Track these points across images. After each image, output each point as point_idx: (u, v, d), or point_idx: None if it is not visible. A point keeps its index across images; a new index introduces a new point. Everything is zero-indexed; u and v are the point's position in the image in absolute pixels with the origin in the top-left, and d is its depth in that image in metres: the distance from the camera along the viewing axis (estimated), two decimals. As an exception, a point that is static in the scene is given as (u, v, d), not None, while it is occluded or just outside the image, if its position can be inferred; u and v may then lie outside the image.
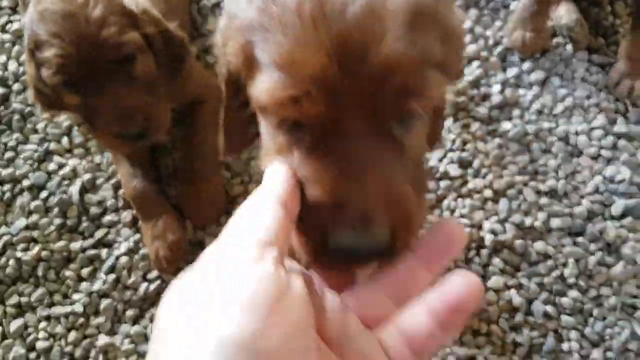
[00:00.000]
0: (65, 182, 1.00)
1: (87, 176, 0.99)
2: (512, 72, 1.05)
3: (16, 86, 1.07)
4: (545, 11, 1.03)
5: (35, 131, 1.05)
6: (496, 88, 1.04)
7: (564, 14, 1.06)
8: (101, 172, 1.00)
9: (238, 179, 0.99)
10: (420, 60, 0.38)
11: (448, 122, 1.02)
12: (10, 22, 1.12)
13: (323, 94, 0.37)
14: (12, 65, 1.08)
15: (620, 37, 1.07)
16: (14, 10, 1.13)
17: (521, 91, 1.04)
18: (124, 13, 0.73)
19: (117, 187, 0.98)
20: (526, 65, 1.06)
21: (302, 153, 0.40)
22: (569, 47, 1.07)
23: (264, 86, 0.39)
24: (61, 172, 1.00)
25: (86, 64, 0.71)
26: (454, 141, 1.00)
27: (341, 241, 0.39)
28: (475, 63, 1.06)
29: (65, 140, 1.03)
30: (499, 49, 1.07)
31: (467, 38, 1.08)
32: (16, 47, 1.09)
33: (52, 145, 1.03)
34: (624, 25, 1.08)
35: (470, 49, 1.07)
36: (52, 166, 1.01)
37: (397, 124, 0.41)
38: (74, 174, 1.00)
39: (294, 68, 0.36)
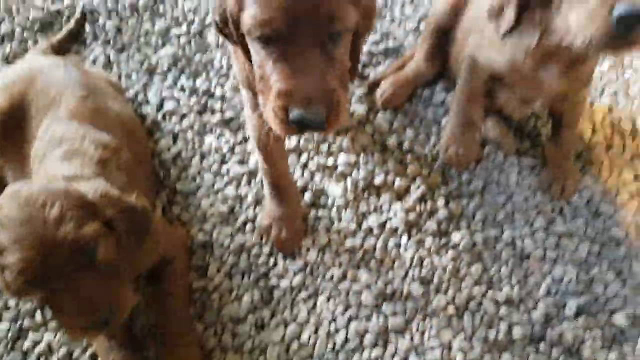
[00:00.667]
0: None
1: (62, 351, 1.00)
2: (453, 185, 1.14)
3: (-14, 267, 1.09)
4: (473, 128, 1.13)
5: (7, 308, 1.06)
6: (441, 202, 1.12)
7: (490, 128, 1.17)
8: (76, 344, 1.01)
9: (211, 330, 1.02)
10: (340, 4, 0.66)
11: (403, 240, 1.09)
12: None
13: (284, 18, 0.66)
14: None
15: (543, 139, 1.19)
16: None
17: (464, 201, 1.12)
18: (82, 204, 0.77)
19: (94, 358, 0.99)
20: (465, 176, 1.15)
21: (271, 62, 0.70)
22: (500, 154, 1.17)
23: (250, 14, 0.68)
24: (37, 350, 1.01)
25: (48, 263, 0.74)
26: (412, 259, 1.07)
27: (295, 115, 0.68)
28: (418, 180, 1.15)
29: (38, 315, 1.04)
30: (438, 163, 1.17)
31: (408, 157, 1.18)
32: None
33: (26, 322, 1.04)
34: (547, 126, 1.20)
35: (412, 168, 1.16)
36: (27, 344, 1.02)
37: (329, 41, 0.69)
38: (50, 350, 1.01)
39: (267, 3, 0.66)
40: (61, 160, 0.91)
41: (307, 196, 1.14)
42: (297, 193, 1.13)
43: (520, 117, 1.15)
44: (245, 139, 1.22)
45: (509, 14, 0.86)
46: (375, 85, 1.27)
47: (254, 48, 0.73)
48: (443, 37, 1.16)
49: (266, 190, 1.09)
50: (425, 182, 1.15)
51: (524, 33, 0.89)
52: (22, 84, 1.00)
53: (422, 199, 1.13)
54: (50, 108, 0.97)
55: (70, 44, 1.33)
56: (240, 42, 0.76)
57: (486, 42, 0.98)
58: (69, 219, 0.74)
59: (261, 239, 1.11)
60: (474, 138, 1.15)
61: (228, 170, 1.18)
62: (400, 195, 1.14)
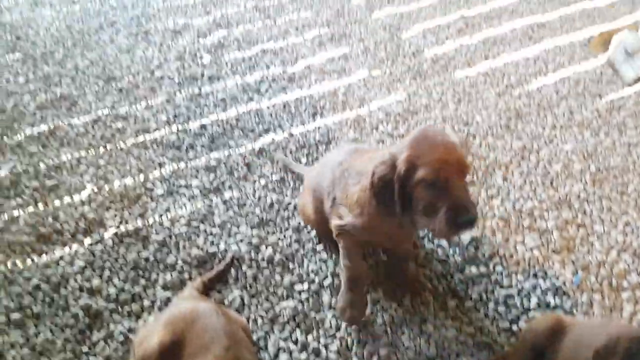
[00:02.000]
0: None
1: None
2: None
3: None
4: None
5: None
6: None
7: None
8: None
9: None
10: (465, 156, 1.25)
11: None
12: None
13: (445, 168, 1.21)
14: None
15: None
16: None
17: None
18: None
19: None
20: None
21: (437, 194, 1.21)
22: None
23: (423, 172, 1.21)
24: None
25: None
26: None
27: (466, 218, 1.19)
28: None
29: None
30: None
31: None
32: None
33: None
34: None
35: None
36: None
37: (465, 177, 1.24)
38: None
39: (435, 162, 1.21)
40: None
41: None
42: (364, 283, 1.53)
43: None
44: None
45: None
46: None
47: (422, 190, 1.22)
48: (538, 354, 1.29)
49: (343, 283, 1.51)
50: None
51: None
52: (185, 323, 1.25)
53: None
54: (201, 352, 1.19)
55: (216, 283, 1.64)
56: (400, 194, 1.26)
57: None
58: None
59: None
60: None
61: None
62: None
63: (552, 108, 2.44)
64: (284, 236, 1.83)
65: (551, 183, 2.04)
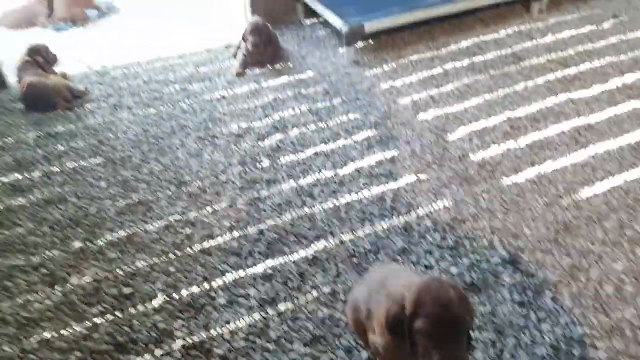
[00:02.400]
0: None
1: None
2: None
3: None
4: None
5: None
6: None
7: None
8: None
9: None
10: (467, 310, 1.41)
11: None
12: None
13: (440, 324, 1.35)
14: None
15: None
16: None
17: None
18: None
19: None
20: None
21: (432, 345, 1.36)
22: None
23: (421, 324, 1.37)
24: None
25: None
26: None
27: None
28: None
29: None
30: None
31: None
32: None
33: None
34: None
35: None
36: None
37: (464, 335, 1.37)
38: None
39: (432, 316, 1.37)
40: None
41: None
42: None
43: None
44: None
45: None
46: None
47: (420, 338, 1.37)
48: None
49: None
50: None
51: None
52: None
53: None
54: None
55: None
56: (408, 332, 1.41)
57: None
58: None
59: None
60: None
61: None
62: None
63: (602, 221, 2.46)
64: (336, 356, 1.93)
65: (602, 307, 2.05)
